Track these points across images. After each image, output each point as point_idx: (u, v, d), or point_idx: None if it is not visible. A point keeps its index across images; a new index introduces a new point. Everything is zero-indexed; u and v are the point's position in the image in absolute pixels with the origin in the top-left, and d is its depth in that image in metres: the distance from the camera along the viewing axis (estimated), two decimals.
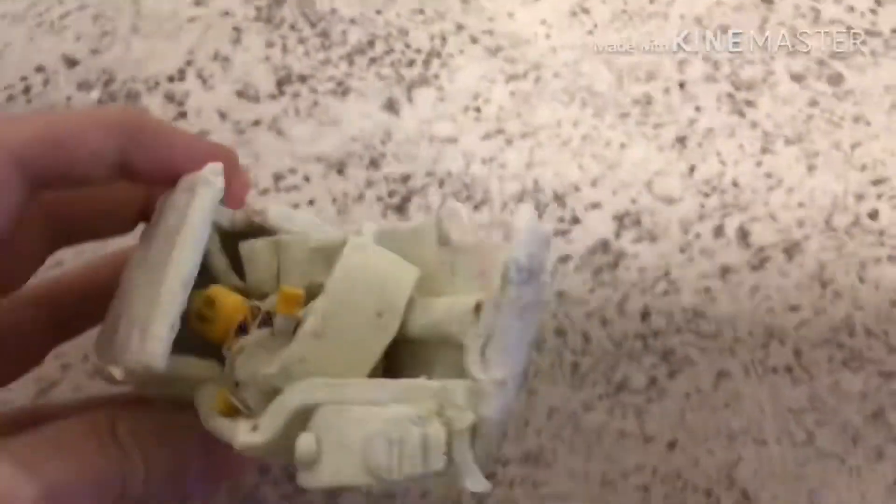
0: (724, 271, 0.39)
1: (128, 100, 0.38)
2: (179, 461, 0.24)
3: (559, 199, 0.40)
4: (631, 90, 0.42)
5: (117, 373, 0.24)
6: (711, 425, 0.37)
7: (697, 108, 0.42)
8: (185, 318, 0.24)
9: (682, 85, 0.42)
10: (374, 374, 0.24)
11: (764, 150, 0.42)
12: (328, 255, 0.24)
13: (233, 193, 0.25)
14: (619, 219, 0.40)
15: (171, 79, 0.38)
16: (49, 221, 0.27)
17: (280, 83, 0.39)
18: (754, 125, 0.42)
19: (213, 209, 0.24)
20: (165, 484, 0.24)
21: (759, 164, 0.41)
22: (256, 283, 0.26)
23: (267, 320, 0.24)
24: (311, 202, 0.38)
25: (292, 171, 0.39)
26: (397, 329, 0.24)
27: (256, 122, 0.38)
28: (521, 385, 0.22)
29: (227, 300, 0.25)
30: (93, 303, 0.28)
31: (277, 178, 0.38)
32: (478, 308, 0.22)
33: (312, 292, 0.24)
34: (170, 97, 0.38)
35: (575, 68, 0.42)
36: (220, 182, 0.24)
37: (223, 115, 0.38)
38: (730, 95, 0.43)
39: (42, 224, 0.26)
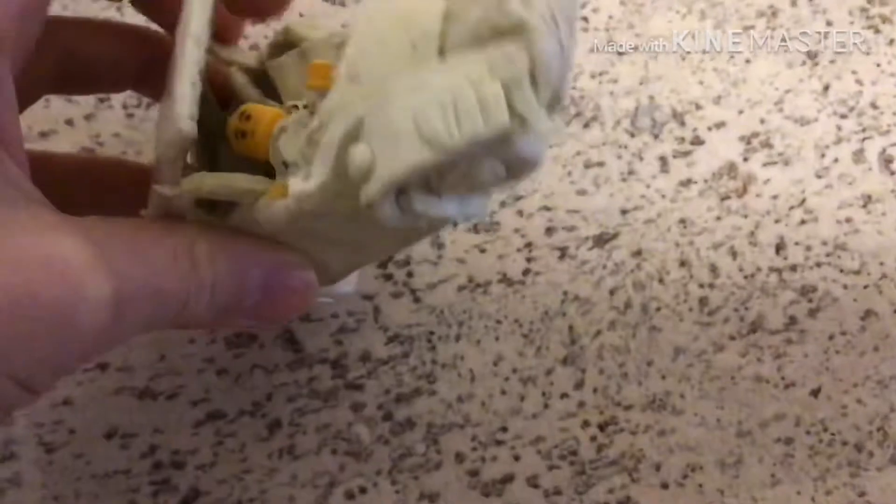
0: (867, 200, 0.35)
1: None
2: (241, 292, 0.22)
3: (678, 117, 0.35)
4: (754, 1, 0.37)
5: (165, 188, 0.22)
6: (859, 371, 0.32)
7: (828, 23, 0.37)
8: (227, 141, 0.22)
9: None
10: None
11: None
12: None
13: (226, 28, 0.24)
14: (747, 140, 0.35)
15: None
16: (59, 56, 0.24)
17: None
18: (891, 42, 0.37)
19: None
20: (223, 312, 0.22)
21: None
22: (292, 98, 0.24)
23: (305, 108, 0.22)
24: None
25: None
26: (436, 57, 0.20)
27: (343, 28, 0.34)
28: (573, 27, 0.19)
29: (264, 110, 0.22)
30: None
31: None
32: None
33: None
34: None
35: None
36: None
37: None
38: (863, 10, 0.38)
39: (52, 59, 0.24)
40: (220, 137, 0.24)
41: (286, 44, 0.24)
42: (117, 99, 0.32)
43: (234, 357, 0.31)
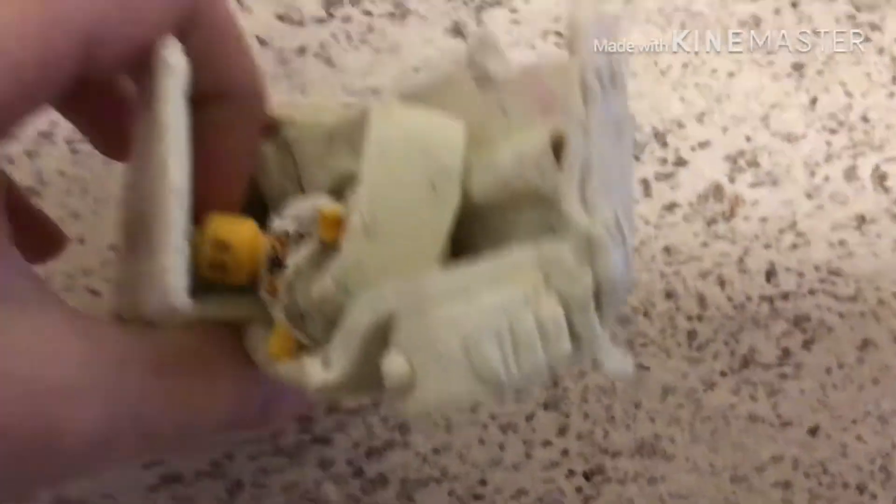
0: (861, 221, 0.33)
1: None
2: (245, 420, 0.21)
3: (660, 137, 0.33)
4: (736, 10, 0.35)
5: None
6: (859, 406, 0.31)
7: (815, 32, 0.35)
8: (196, 265, 0.20)
9: (794, 5, 0.36)
10: (443, 260, 0.19)
11: (895, 80, 0.35)
12: (350, 135, 0.20)
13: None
14: (733, 159, 0.33)
15: None
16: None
17: (328, 4, 0.33)
18: (881, 51, 0.36)
19: (184, 96, 0.19)
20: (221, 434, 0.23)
21: (891, 95, 0.35)
22: (277, 194, 0.22)
23: (300, 237, 0.20)
24: None
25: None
26: (459, 198, 0.19)
27: (302, 50, 0.32)
28: (632, 228, 0.18)
29: (241, 237, 0.20)
30: None
31: None
32: (556, 143, 0.17)
33: (345, 184, 0.20)
34: None
35: None
36: (181, 63, 0.19)
37: (263, 42, 0.32)
38: (850, 17, 0.36)
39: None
40: None
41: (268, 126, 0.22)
42: (59, 134, 0.30)
43: None
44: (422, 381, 0.16)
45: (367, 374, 0.17)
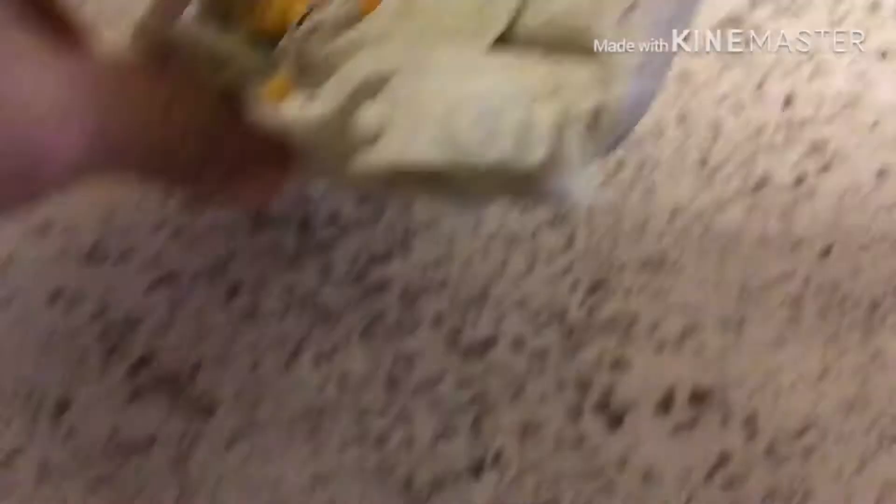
0: (883, 54, 0.32)
1: None
2: (214, 155, 0.21)
3: None
4: None
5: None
6: (874, 229, 0.30)
7: None
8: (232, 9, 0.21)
9: None
10: None
11: None
12: None
13: None
14: None
15: None
16: None
17: None
18: None
19: None
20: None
21: None
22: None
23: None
24: None
25: None
26: (505, 25, 0.18)
27: None
28: (661, 80, 0.17)
29: None
30: None
31: None
32: None
33: None
34: None
35: None
36: None
37: None
38: None
39: None
40: None
41: None
42: None
43: (190, 217, 0.29)
44: (390, 134, 0.16)
45: (343, 128, 0.17)
